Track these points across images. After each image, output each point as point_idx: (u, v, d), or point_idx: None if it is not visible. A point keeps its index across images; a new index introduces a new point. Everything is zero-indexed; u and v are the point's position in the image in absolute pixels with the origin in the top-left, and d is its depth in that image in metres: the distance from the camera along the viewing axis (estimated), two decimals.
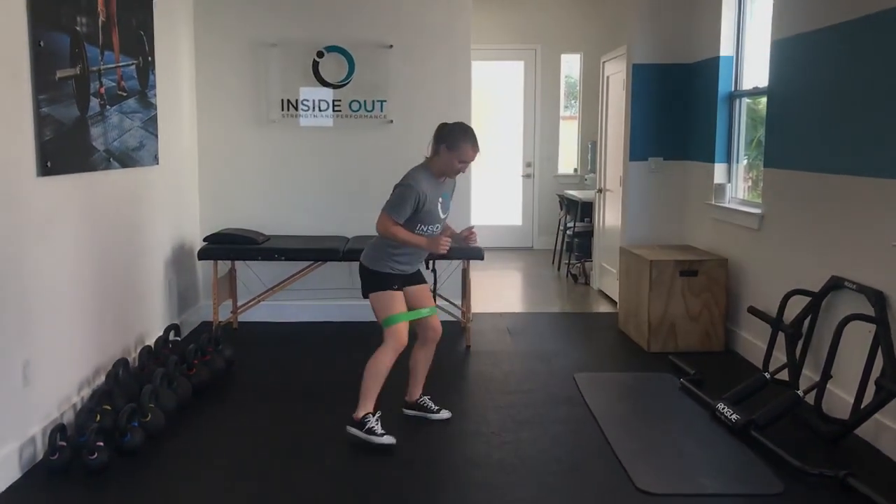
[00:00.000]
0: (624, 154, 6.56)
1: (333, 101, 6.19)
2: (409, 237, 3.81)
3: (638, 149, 6.41)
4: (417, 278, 4.09)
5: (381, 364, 3.83)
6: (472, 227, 4.03)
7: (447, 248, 3.80)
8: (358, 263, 3.99)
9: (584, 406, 4.39)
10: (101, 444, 3.53)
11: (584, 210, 8.28)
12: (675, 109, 6.33)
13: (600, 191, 7.56)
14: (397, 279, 3.92)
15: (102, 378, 4.26)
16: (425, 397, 4.24)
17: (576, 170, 10.24)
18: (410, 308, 3.99)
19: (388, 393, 3.96)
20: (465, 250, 5.68)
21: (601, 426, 4.08)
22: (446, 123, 3.95)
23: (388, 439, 3.76)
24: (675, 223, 6.42)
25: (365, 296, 3.95)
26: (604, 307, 7.00)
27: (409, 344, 3.92)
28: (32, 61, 3.54)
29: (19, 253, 3.48)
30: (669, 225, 6.43)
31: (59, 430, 3.55)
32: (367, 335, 5.89)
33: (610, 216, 7.23)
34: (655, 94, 6.34)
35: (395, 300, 3.89)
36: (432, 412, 4.20)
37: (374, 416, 3.82)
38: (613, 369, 5.18)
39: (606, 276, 7.35)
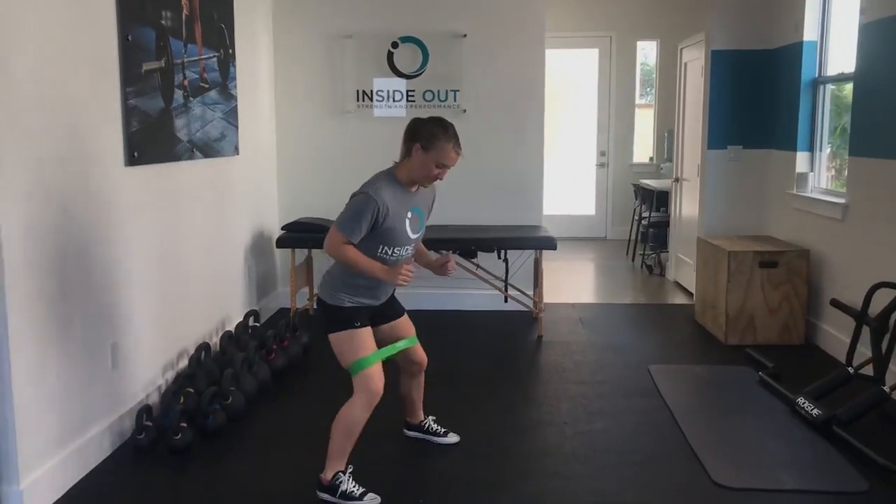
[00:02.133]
0: (702, 142, 6.43)
1: (407, 91, 6.24)
2: (361, 262, 3.06)
3: (716, 137, 6.28)
4: (392, 310, 3.40)
5: (352, 420, 3.14)
6: (449, 253, 3.33)
7: (409, 279, 3.07)
8: None
9: (658, 398, 4.34)
10: (185, 425, 3.66)
11: (659, 199, 8.15)
12: (755, 97, 6.17)
13: (677, 180, 7.43)
14: (361, 314, 3.20)
15: (186, 362, 4.40)
16: (429, 419, 3.76)
17: (651, 159, 10.08)
18: (385, 345, 3.34)
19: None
20: (539, 239, 5.67)
21: (676, 419, 4.02)
22: (419, 118, 3.20)
23: (371, 500, 3.13)
24: (754, 213, 6.27)
25: (325, 334, 3.25)
26: (679, 299, 6.88)
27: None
28: (121, 55, 3.67)
29: (108, 240, 3.62)
30: (748, 215, 6.28)
31: (145, 410, 3.69)
32: (439, 324, 5.95)
33: (687, 206, 7.10)
34: (735, 81, 6.19)
35: (360, 340, 3.16)
36: (438, 435, 3.71)
37: (345, 473, 3.17)
38: (689, 361, 5.10)
39: (683, 267, 7.22)
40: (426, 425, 3.73)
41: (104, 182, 3.58)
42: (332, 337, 3.19)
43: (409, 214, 3.17)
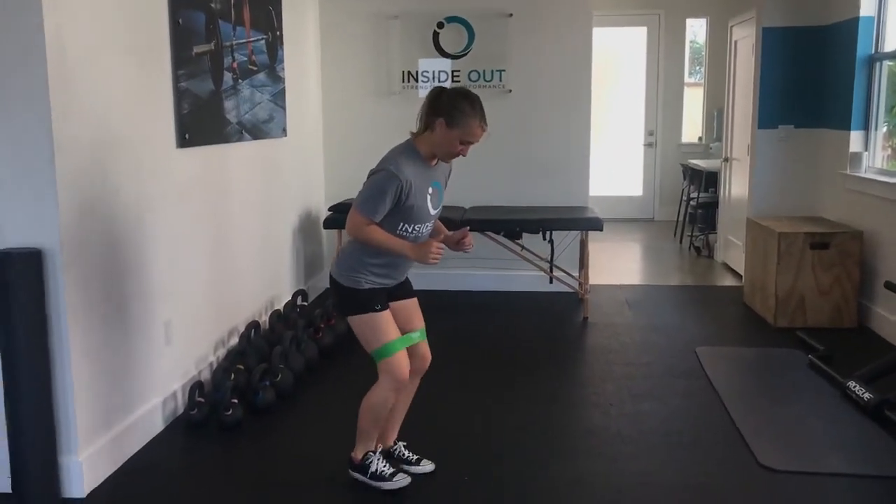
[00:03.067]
0: (752, 122, 6.32)
1: (452, 71, 6.24)
2: (388, 241, 2.91)
3: (767, 116, 6.17)
4: (405, 290, 3.19)
5: (379, 405, 3.07)
6: (467, 229, 3.08)
7: (439, 257, 2.90)
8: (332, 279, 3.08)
9: (705, 380, 4.31)
10: (236, 401, 3.74)
11: (708, 180, 8.04)
12: (807, 75, 6.04)
13: (726, 160, 7.31)
14: (379, 296, 3.02)
15: (236, 339, 4.50)
16: (400, 444, 3.30)
17: (700, 138, 9.93)
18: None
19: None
20: (584, 220, 5.64)
21: (723, 401, 3.99)
22: (444, 89, 2.99)
23: (401, 481, 3.09)
24: (805, 194, 6.15)
25: (342, 315, 3.18)
26: (728, 280, 6.80)
27: None
28: (172, 38, 3.74)
29: (161, 220, 3.71)
30: (799, 195, 6.16)
31: (197, 386, 3.79)
32: (484, 305, 5.97)
33: (736, 186, 7.00)
34: (786, 59, 6.06)
35: (383, 324, 3.00)
36: (410, 464, 3.25)
37: (375, 453, 3.14)
38: (737, 344, 5.05)
39: (731, 248, 7.13)
40: (397, 451, 3.29)
41: (157, 163, 3.66)
42: (352, 320, 3.03)
43: (430, 190, 3.00)
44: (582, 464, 3.38)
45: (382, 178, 2.87)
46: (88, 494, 3.10)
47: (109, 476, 3.24)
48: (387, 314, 3.02)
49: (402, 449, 3.30)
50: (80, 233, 3.06)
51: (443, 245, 2.94)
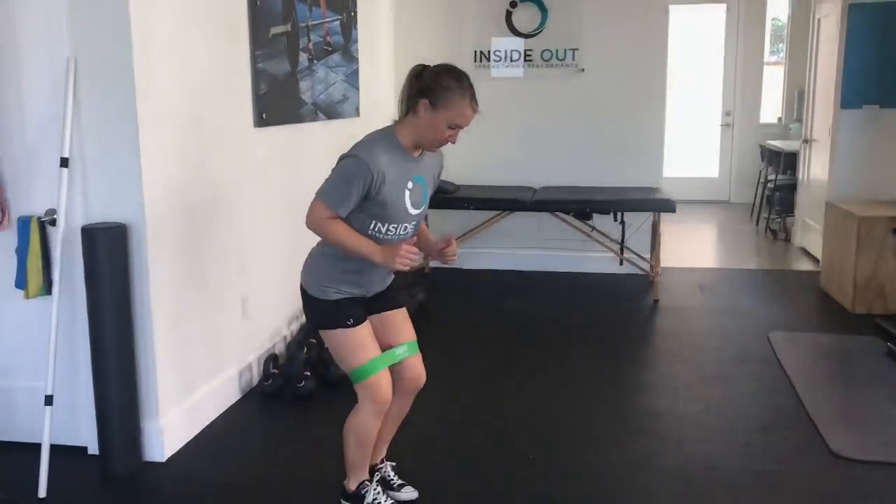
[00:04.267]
0: (835, 101, 6.12)
1: (525, 50, 6.21)
2: (351, 240, 2.49)
3: (851, 96, 5.96)
4: (388, 300, 2.75)
5: (361, 431, 2.66)
6: (451, 236, 2.65)
7: (409, 263, 2.47)
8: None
9: (777, 366, 4.24)
10: (308, 373, 3.85)
11: (787, 161, 7.82)
12: (894, 52, 5.80)
13: (806, 141, 7.11)
14: (353, 308, 2.60)
15: None
16: (387, 464, 2.95)
17: (780, 119, 9.66)
18: (380, 344, 2.66)
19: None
20: (657, 202, 5.58)
21: (795, 387, 3.92)
22: (426, 66, 2.58)
23: None
24: (889, 177, 5.93)
25: (313, 328, 2.77)
26: (805, 265, 6.63)
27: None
28: (250, 20, 3.84)
29: (239, 198, 3.82)
30: (883, 179, 5.95)
31: (272, 359, 3.91)
32: (553, 286, 5.97)
33: (816, 168, 6.79)
34: (873, 37, 5.83)
35: (359, 342, 2.58)
36: (392, 489, 2.89)
37: (371, 482, 2.77)
38: (812, 330, 4.93)
39: (809, 232, 6.94)
40: (382, 470, 2.94)
41: (235, 142, 3.77)
42: (324, 335, 2.65)
43: (410, 185, 2.57)
44: (648, 446, 3.37)
45: (350, 165, 2.46)
46: (168, 458, 3.24)
47: (188, 442, 3.38)
48: (362, 329, 2.60)
49: (389, 470, 2.94)
50: (162, 209, 3.19)
51: (414, 249, 2.51)
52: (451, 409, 3.69)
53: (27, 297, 3.10)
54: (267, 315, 4.17)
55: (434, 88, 2.50)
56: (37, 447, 3.02)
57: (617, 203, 5.60)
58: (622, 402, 3.84)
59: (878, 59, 5.86)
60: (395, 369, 2.70)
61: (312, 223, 2.54)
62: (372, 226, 2.54)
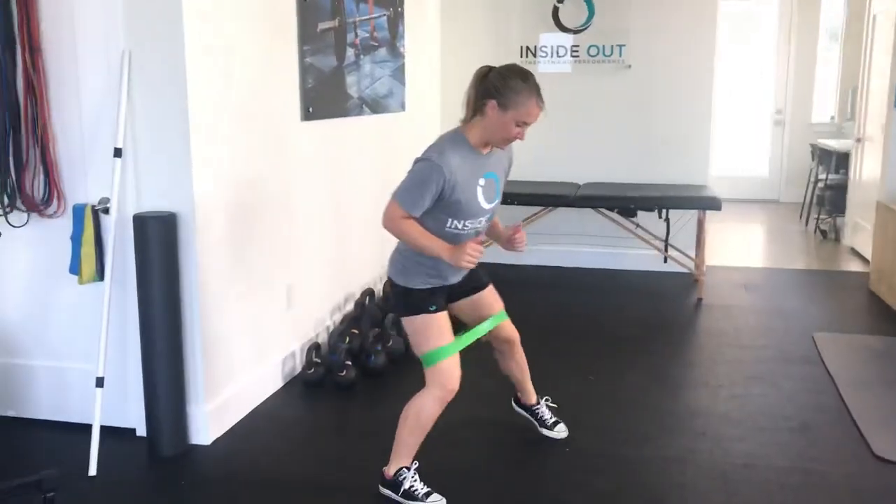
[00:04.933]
0: (889, 99, 5.99)
1: (571, 46, 6.20)
2: (423, 239, 2.66)
3: None
4: (474, 284, 2.99)
5: (422, 415, 2.82)
6: (519, 225, 2.84)
7: (475, 260, 2.62)
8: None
9: (821, 367, 4.18)
10: (350, 363, 3.92)
11: (839, 161, 7.68)
12: None
13: (859, 140, 6.97)
14: (436, 295, 2.80)
15: (352, 305, 4.69)
16: (543, 403, 3.37)
17: (833, 117, 9.47)
18: (471, 326, 2.97)
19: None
20: (702, 199, 5.53)
21: (839, 389, 3.87)
22: (492, 68, 2.73)
23: (436, 501, 2.83)
24: None
25: (397, 316, 2.95)
26: (854, 266, 6.52)
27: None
28: (299, 15, 3.91)
29: (286, 189, 3.91)
30: None
31: (314, 348, 3.99)
32: (596, 282, 5.96)
33: (868, 168, 6.66)
34: None
35: (435, 327, 2.78)
36: (545, 426, 3.32)
37: (410, 470, 2.86)
38: (859, 331, 4.85)
39: (860, 232, 6.81)
40: (538, 411, 3.34)
41: (283, 135, 3.85)
42: (406, 321, 2.84)
43: (482, 182, 2.72)
44: (687, 442, 3.37)
45: (423, 169, 2.61)
46: (213, 442, 3.34)
47: (232, 426, 3.47)
48: (441, 317, 2.80)
49: (544, 408, 3.35)
50: (211, 199, 3.28)
51: (480, 247, 2.64)
52: (488, 401, 3.72)
53: (81, 282, 3.21)
54: (311, 305, 4.25)
55: (501, 90, 2.63)
56: (88, 427, 3.14)
57: (662, 200, 5.56)
58: (662, 399, 3.83)
59: None
60: (494, 335, 3.07)
61: (388, 223, 2.70)
62: (449, 223, 2.70)
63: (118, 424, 3.37)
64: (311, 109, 4.07)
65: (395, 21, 5.27)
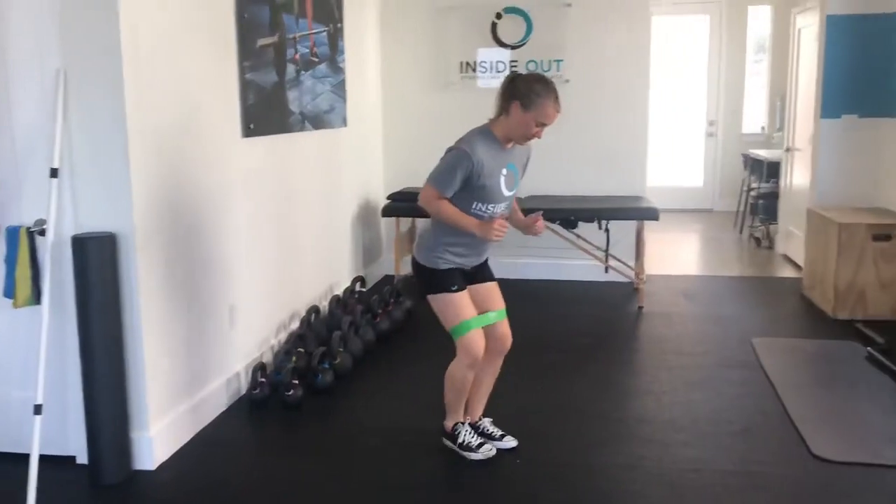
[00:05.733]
0: (815, 111, 6.21)
1: (510, 61, 6.28)
2: (455, 216, 3.04)
3: (830, 105, 6.05)
4: (484, 274, 3.33)
5: (457, 381, 3.25)
6: (540, 214, 3.23)
7: (502, 235, 3.02)
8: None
9: (760, 371, 4.30)
10: (296, 382, 3.88)
11: (770, 170, 7.92)
12: (872, 64, 5.90)
13: (788, 150, 7.21)
14: (457, 276, 3.18)
15: (297, 323, 4.64)
16: (486, 420, 3.48)
17: (763, 128, 9.77)
18: (477, 312, 3.25)
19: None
20: (640, 210, 5.64)
21: (778, 392, 3.98)
22: (519, 74, 3.16)
23: (486, 452, 3.27)
24: (868, 184, 6.02)
25: (422, 296, 3.26)
26: (787, 272, 6.72)
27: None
28: (238, 31, 3.88)
29: (227, 208, 3.86)
30: (862, 186, 6.04)
31: (259, 368, 3.94)
32: (539, 293, 6.02)
33: (798, 176, 6.89)
34: (851, 48, 5.93)
35: (461, 303, 3.15)
36: (494, 439, 3.41)
37: (464, 424, 3.35)
38: (794, 335, 5.00)
39: (792, 239, 7.03)
40: (481, 426, 3.45)
41: (224, 152, 3.81)
42: (432, 298, 3.19)
43: (505, 171, 3.12)
44: (635, 450, 3.42)
45: (455, 156, 3.02)
46: (158, 467, 3.26)
47: (177, 451, 3.40)
48: (463, 294, 3.17)
49: (487, 425, 3.47)
50: (151, 218, 3.22)
51: (506, 224, 3.06)
52: (435, 415, 3.72)
53: (16, 306, 3.11)
54: (255, 324, 4.19)
55: (526, 93, 3.02)
56: (25, 457, 3.02)
57: (601, 212, 5.66)
58: (610, 407, 3.88)
59: (855, 70, 5.95)
60: (487, 331, 3.25)
61: (424, 202, 3.09)
62: (474, 205, 3.07)
63: (58, 453, 3.26)
64: (252, 126, 4.03)
65: (335, 37, 5.27)
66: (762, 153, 8.24)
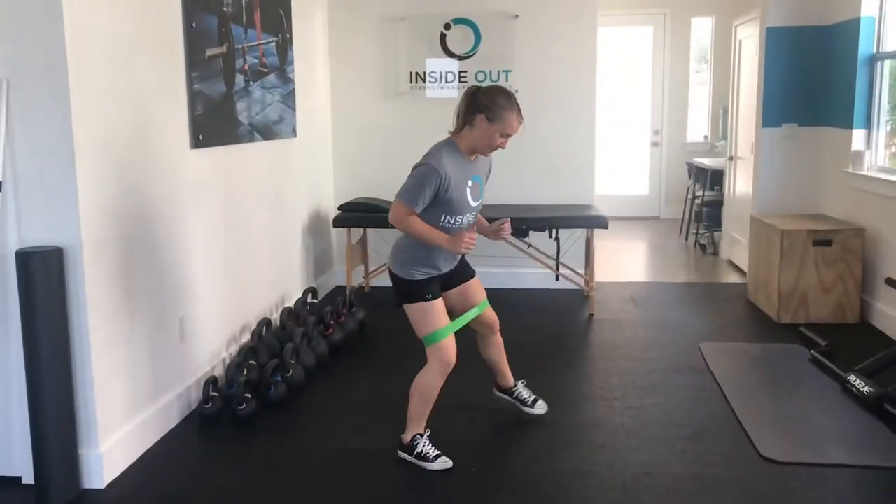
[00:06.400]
0: (756, 120, 6.38)
1: (460, 72, 6.32)
2: (425, 231, 3.14)
3: (771, 115, 6.23)
4: (462, 275, 3.47)
5: (427, 387, 3.32)
6: (506, 221, 3.35)
7: (471, 246, 3.14)
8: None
9: (708, 375, 4.39)
10: (249, 395, 3.84)
11: (713, 178, 8.10)
12: (810, 74, 6.10)
13: (731, 158, 7.38)
14: (431, 284, 3.28)
15: (248, 336, 4.59)
16: (520, 384, 3.84)
17: (706, 137, 10.00)
18: (460, 312, 3.47)
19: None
20: (590, 218, 5.72)
21: (726, 395, 4.07)
22: (480, 87, 3.23)
23: (443, 463, 3.30)
24: (809, 192, 6.22)
25: (399, 304, 3.36)
26: (733, 278, 6.87)
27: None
28: (186, 42, 3.84)
29: (176, 219, 3.80)
30: (803, 193, 6.23)
31: (211, 382, 3.88)
32: (490, 301, 6.04)
33: (741, 184, 7.06)
34: (790, 58, 6.12)
35: (433, 312, 3.26)
36: (526, 405, 3.79)
37: (423, 436, 3.36)
38: (741, 339, 5.12)
39: (736, 245, 7.20)
40: (515, 392, 3.81)
41: (172, 164, 3.76)
42: (406, 308, 3.30)
43: (470, 183, 3.23)
44: (587, 455, 3.46)
45: (423, 172, 3.11)
46: (107, 485, 3.19)
47: (127, 468, 3.34)
48: (438, 304, 3.28)
49: (521, 390, 3.79)
50: (99, 232, 3.16)
51: (475, 236, 3.18)
52: (389, 428, 3.72)
53: None
54: (206, 337, 4.14)
55: (491, 106, 3.13)
56: None
57: (551, 220, 5.72)
58: (562, 413, 3.92)
59: (795, 80, 6.14)
60: (476, 320, 3.54)
61: (395, 220, 3.16)
62: (443, 218, 3.18)
63: (2, 473, 3.18)
64: (200, 137, 3.99)
65: (284, 47, 5.24)
66: (706, 162, 8.43)
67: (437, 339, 3.26)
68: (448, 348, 3.27)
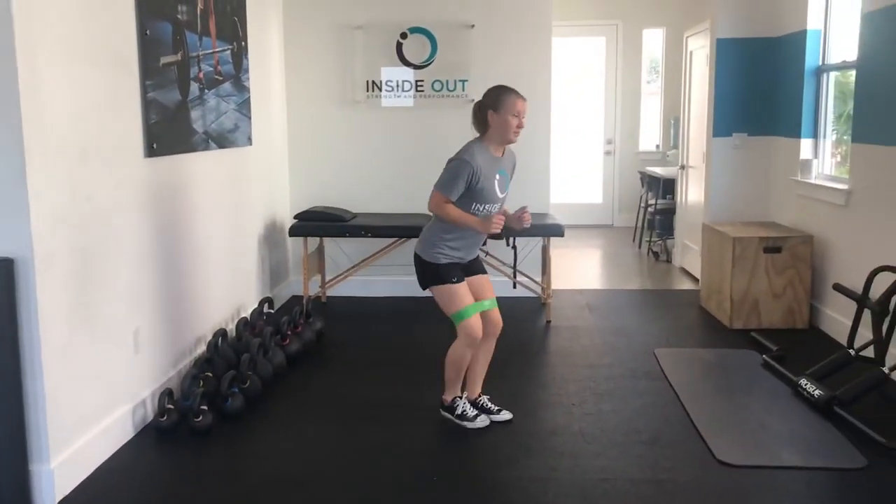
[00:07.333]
0: (707, 130, 6.51)
1: (416, 81, 6.33)
2: (460, 216, 3.57)
3: (722, 124, 6.36)
4: (477, 268, 3.86)
5: (458, 358, 3.76)
6: (526, 208, 3.67)
7: (500, 226, 3.55)
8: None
9: (664, 380, 4.45)
10: (205, 407, 3.78)
11: (666, 187, 8.23)
12: (759, 84, 6.24)
13: (683, 167, 7.51)
14: (456, 269, 3.68)
15: (204, 347, 4.53)
16: (484, 397, 3.97)
17: (658, 146, 10.15)
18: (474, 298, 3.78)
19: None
20: (546, 227, 5.77)
21: (681, 400, 4.13)
22: (477, 100, 3.72)
23: (482, 422, 3.79)
24: (759, 200, 6.36)
25: (424, 287, 3.73)
26: (686, 284, 6.98)
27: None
28: (140, 49, 3.78)
29: (130, 229, 3.74)
30: (753, 201, 6.37)
31: (167, 394, 3.82)
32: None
33: (693, 193, 7.19)
34: (740, 69, 6.26)
35: (459, 293, 3.66)
36: (492, 413, 3.92)
37: (461, 398, 3.84)
38: (694, 345, 5.20)
39: (689, 253, 7.32)
40: (481, 402, 3.94)
41: (126, 172, 3.70)
42: (434, 290, 3.68)
43: (498, 176, 3.64)
44: (546, 461, 3.48)
45: (457, 165, 3.55)
46: (59, 502, 3.12)
47: (80, 483, 3.26)
48: (462, 286, 3.67)
49: (486, 401, 3.94)
50: (51, 242, 3.09)
51: (503, 217, 3.58)
52: (347, 435, 3.70)
53: None
54: (161, 348, 4.07)
55: (492, 100, 3.59)
56: None
57: (508, 228, 5.71)
58: (519, 420, 3.93)
59: (744, 91, 6.28)
60: (483, 319, 3.76)
61: (433, 207, 3.60)
62: (473, 206, 3.60)
63: None
64: (155, 145, 3.93)
65: (240, 55, 5.20)
66: (658, 171, 8.56)
67: (464, 316, 3.64)
68: (475, 324, 3.67)
